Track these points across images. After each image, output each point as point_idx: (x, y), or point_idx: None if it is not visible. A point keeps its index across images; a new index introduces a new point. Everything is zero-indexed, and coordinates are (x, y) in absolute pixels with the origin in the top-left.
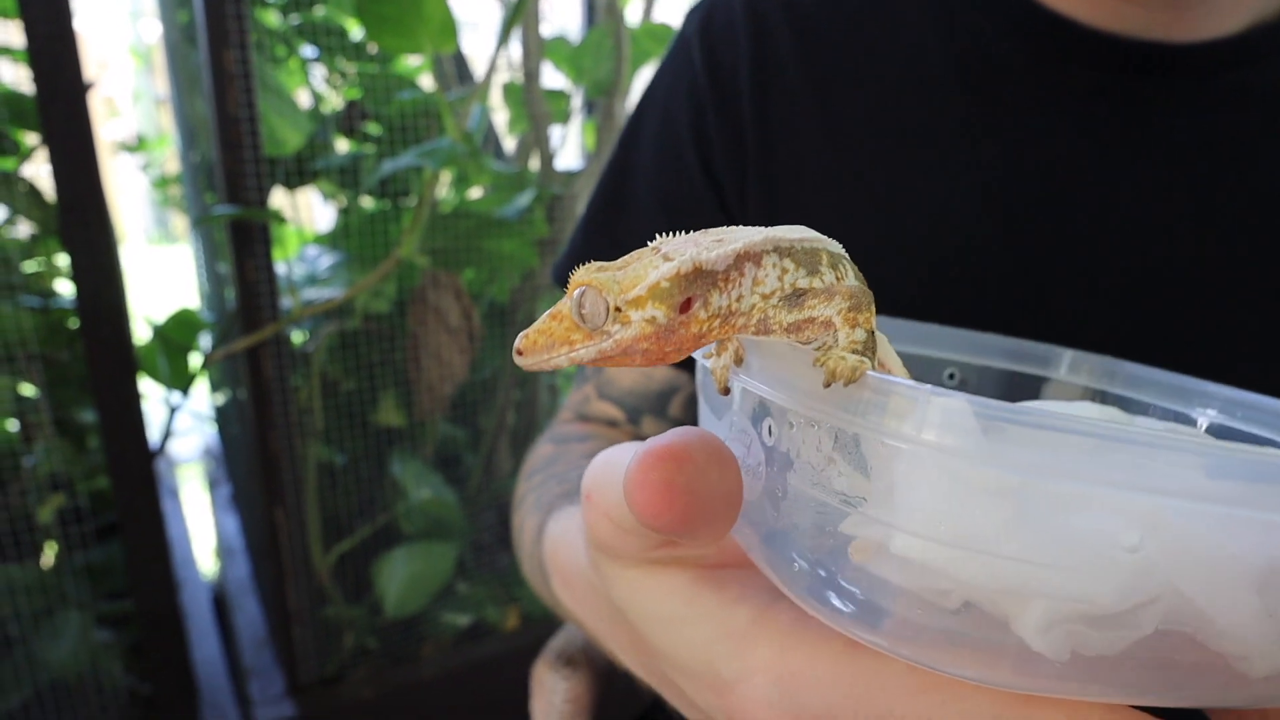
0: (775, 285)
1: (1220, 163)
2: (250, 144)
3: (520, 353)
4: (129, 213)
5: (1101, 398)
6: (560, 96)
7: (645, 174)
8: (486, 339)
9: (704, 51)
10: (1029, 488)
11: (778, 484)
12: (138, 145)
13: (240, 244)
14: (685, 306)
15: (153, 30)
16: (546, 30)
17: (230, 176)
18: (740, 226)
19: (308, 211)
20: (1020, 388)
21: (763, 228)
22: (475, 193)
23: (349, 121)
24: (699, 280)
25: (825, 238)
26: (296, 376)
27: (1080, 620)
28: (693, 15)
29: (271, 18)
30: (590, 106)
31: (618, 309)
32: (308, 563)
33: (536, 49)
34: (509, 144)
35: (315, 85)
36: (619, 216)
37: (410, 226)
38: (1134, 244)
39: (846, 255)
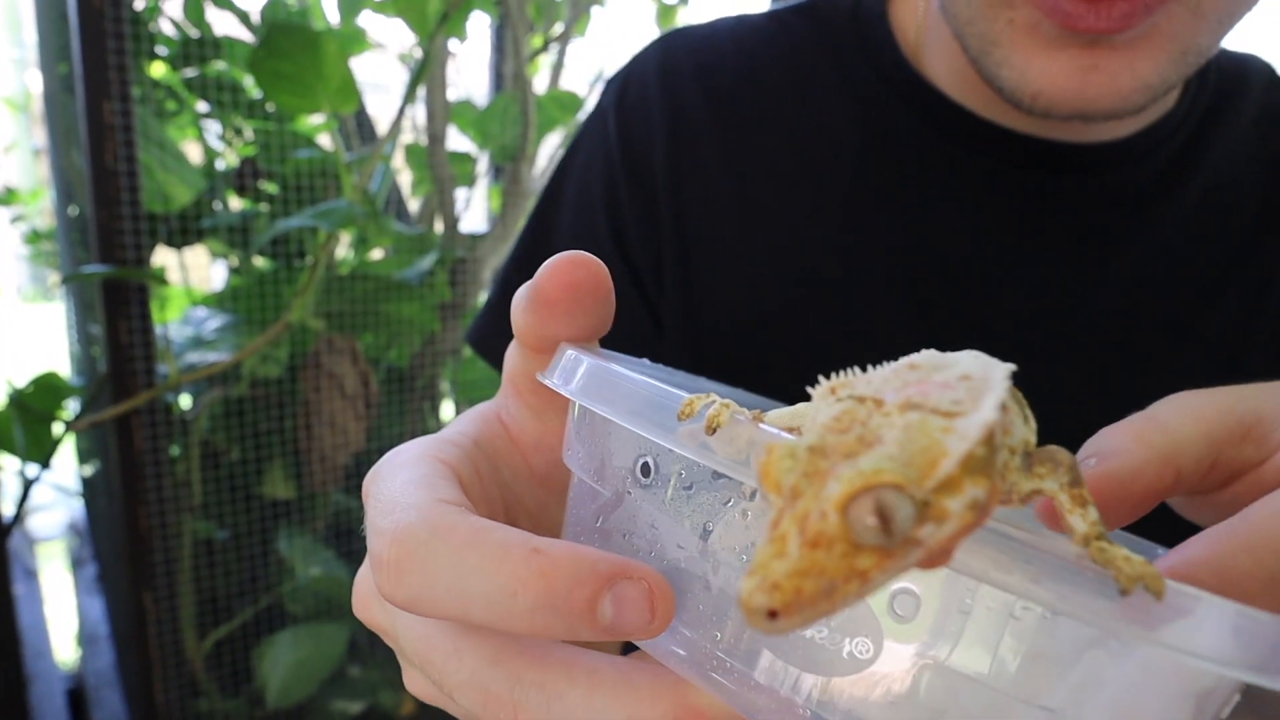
0: (1020, 434)
1: (1102, 252)
2: (128, 199)
3: (775, 614)
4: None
5: None
6: (465, 159)
7: (563, 241)
8: (385, 405)
9: (618, 126)
10: None
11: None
12: (7, 198)
13: (113, 305)
14: None
15: (36, 81)
16: (453, 95)
17: (104, 233)
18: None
19: (201, 271)
20: None
21: (970, 353)
22: (376, 254)
23: (241, 179)
24: (995, 435)
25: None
26: (175, 446)
27: None
28: (610, 87)
29: (159, 70)
30: (497, 171)
31: (925, 504)
32: (179, 651)
33: (442, 112)
34: (414, 206)
35: (209, 141)
36: None
37: (303, 288)
38: (1025, 326)
39: None
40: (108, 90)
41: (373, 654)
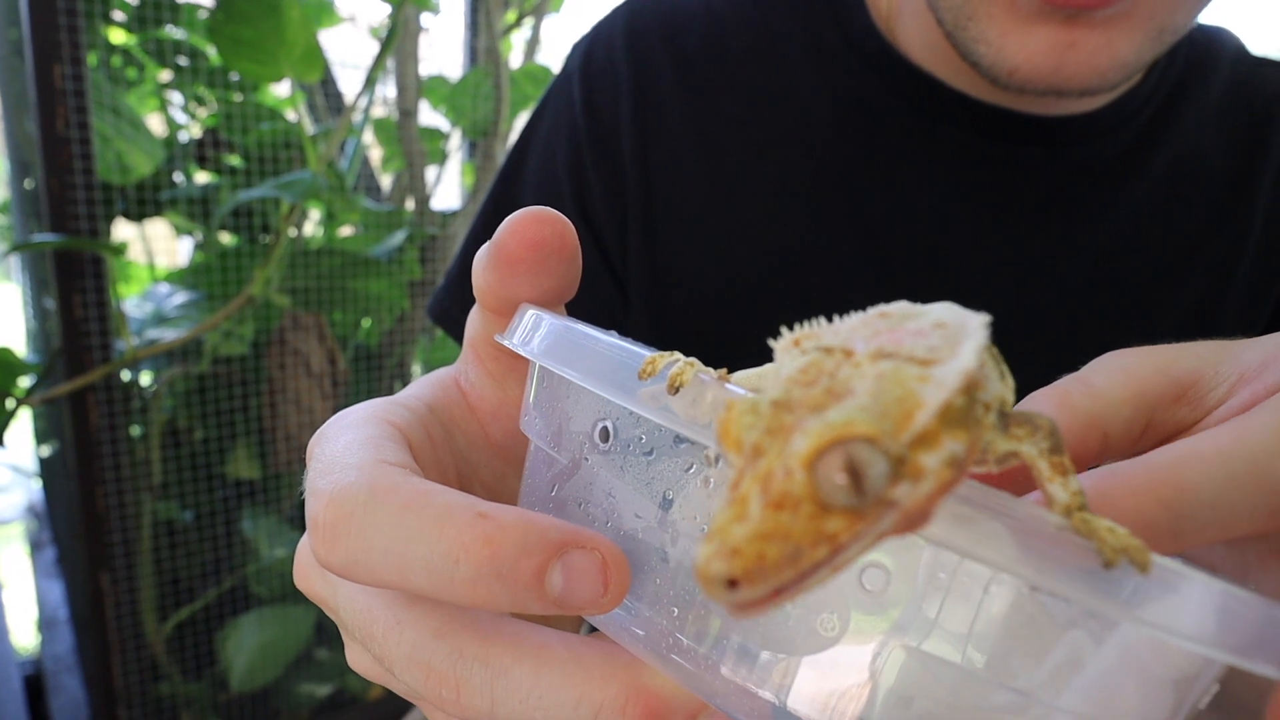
0: (996, 389)
1: (1070, 224)
2: (81, 168)
3: (735, 583)
4: None
5: None
6: (437, 135)
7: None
8: (355, 384)
9: (583, 91)
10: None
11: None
12: None
13: (66, 277)
14: None
15: None
16: (426, 71)
17: (56, 203)
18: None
19: (168, 243)
20: None
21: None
22: (346, 231)
23: (202, 150)
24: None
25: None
26: (136, 426)
27: None
28: (575, 51)
29: (118, 35)
30: (470, 147)
31: (900, 460)
32: (139, 634)
33: (413, 86)
34: (385, 184)
35: (171, 113)
36: None
37: (264, 262)
38: (994, 296)
39: None
40: (58, 53)
41: (340, 637)
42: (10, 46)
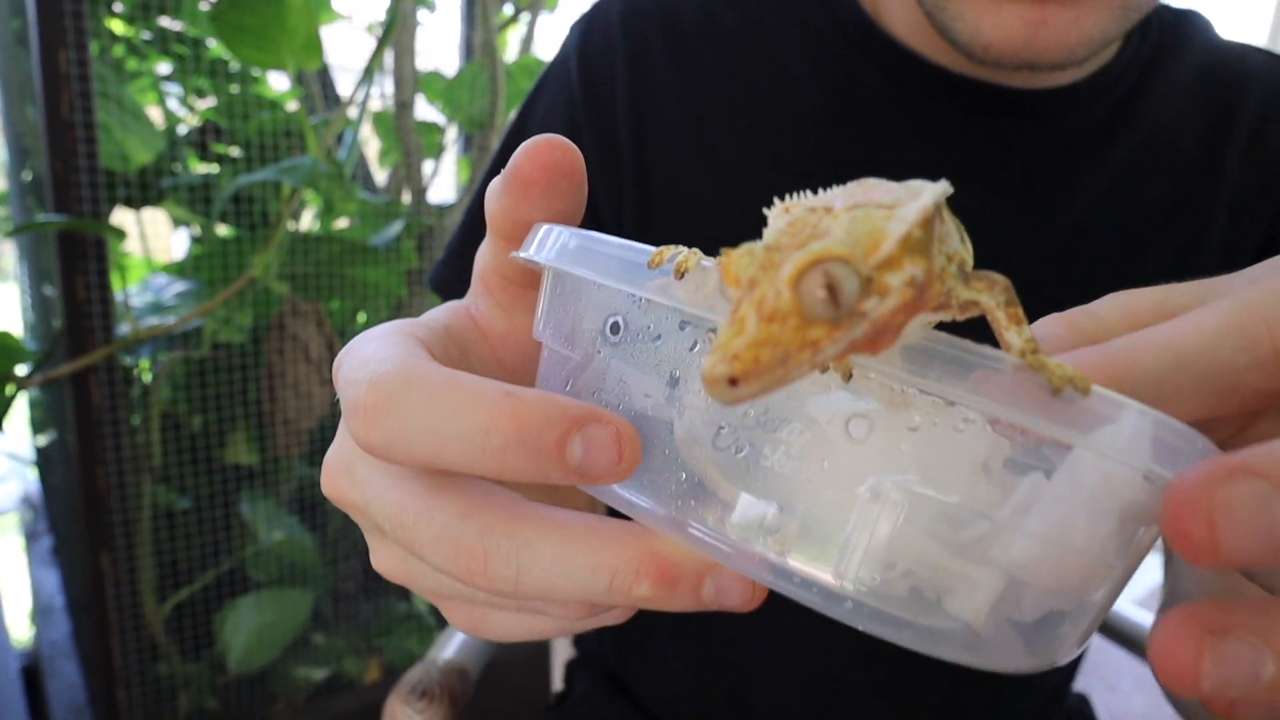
0: (956, 246)
1: (1048, 193)
2: (85, 152)
3: (735, 381)
4: None
5: None
6: (434, 129)
7: None
8: None
9: (581, 71)
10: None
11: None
12: None
13: (69, 259)
14: None
15: None
16: (423, 67)
17: (60, 186)
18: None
19: (162, 241)
20: None
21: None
22: (342, 224)
23: (203, 137)
24: (933, 223)
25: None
26: (135, 416)
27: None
28: (573, 31)
29: (119, 25)
30: (466, 141)
31: (869, 279)
32: (138, 615)
33: (410, 79)
34: (381, 177)
35: (170, 102)
36: None
37: (264, 246)
38: (979, 260)
39: None
40: (63, 39)
41: (336, 622)
42: (13, 35)
